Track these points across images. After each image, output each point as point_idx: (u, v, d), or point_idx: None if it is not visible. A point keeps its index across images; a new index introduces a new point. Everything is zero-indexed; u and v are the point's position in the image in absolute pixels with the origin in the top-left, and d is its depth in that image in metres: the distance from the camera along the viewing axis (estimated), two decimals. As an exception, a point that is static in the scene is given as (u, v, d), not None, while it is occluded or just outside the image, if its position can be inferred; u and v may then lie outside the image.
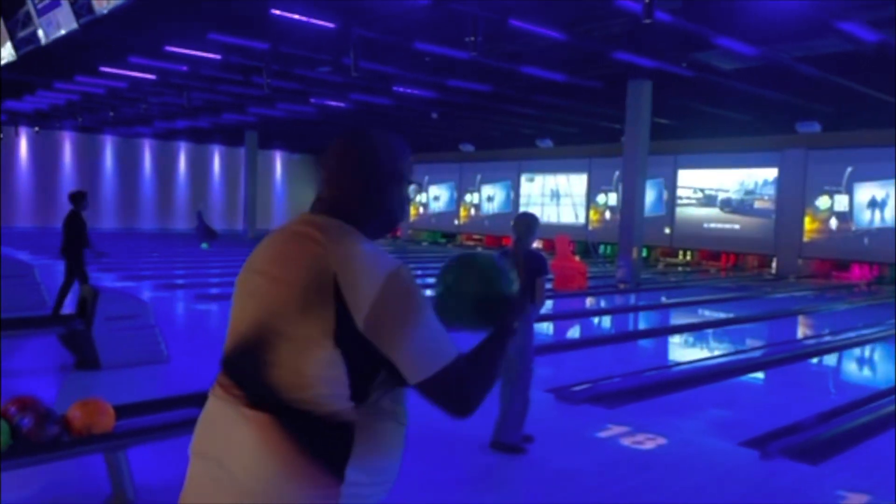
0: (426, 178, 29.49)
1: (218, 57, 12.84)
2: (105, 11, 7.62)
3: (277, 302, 1.37)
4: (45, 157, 26.76)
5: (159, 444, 3.67)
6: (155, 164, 30.02)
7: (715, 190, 20.80)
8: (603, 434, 4.77)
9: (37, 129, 26.06)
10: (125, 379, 5.76)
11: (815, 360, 8.19)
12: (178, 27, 11.02)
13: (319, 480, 1.32)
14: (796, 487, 3.99)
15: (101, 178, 28.67)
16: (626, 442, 4.64)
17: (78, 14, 8.13)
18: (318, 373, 1.33)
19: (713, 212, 20.75)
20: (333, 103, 17.77)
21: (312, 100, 17.32)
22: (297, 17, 9.87)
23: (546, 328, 10.08)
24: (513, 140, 24.02)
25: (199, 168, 31.15)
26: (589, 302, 12.79)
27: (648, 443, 4.63)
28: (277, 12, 9.59)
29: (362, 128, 1.56)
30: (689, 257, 21.90)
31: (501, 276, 1.62)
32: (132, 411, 3.51)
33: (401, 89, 15.35)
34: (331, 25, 10.36)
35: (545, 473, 4.07)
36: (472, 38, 8.57)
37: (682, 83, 13.58)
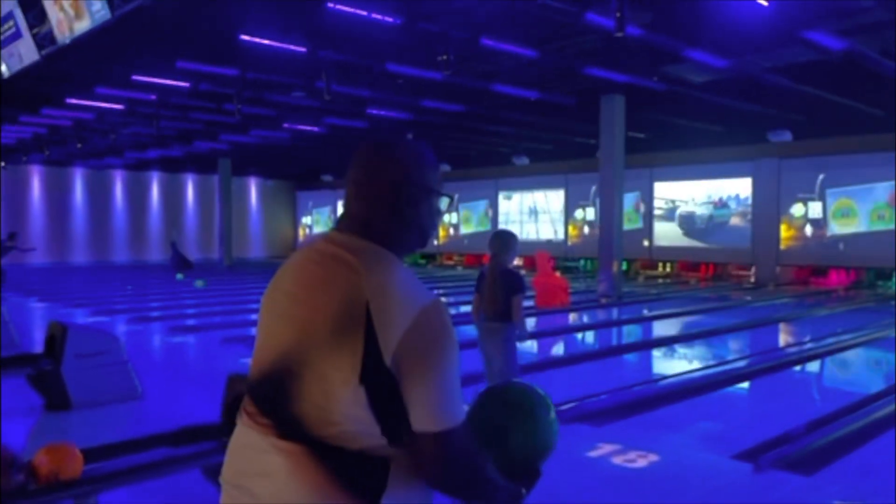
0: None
1: (187, 85, 12.71)
2: (68, 41, 7.46)
3: (307, 329, 1.31)
4: (12, 193, 26.25)
5: (135, 487, 3.50)
6: (127, 196, 29.61)
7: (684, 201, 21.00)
8: (593, 453, 4.66)
9: (2, 164, 25.61)
10: (97, 419, 5.54)
11: (799, 368, 8.17)
12: (146, 56, 10.88)
13: None
14: (793, 500, 3.90)
15: (71, 211, 28.19)
16: (617, 460, 4.53)
17: (40, 45, 7.97)
18: (343, 411, 1.27)
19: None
20: (307, 128, 17.67)
21: (286, 125, 17.21)
22: (266, 42, 9.79)
23: (530, 346, 9.98)
24: (489, 159, 24.08)
25: (173, 198, 30.78)
26: (572, 318, 12.73)
27: (640, 460, 4.52)
28: (247, 38, 9.50)
29: (389, 138, 1.48)
30: (668, 269, 22.00)
31: (546, 451, 1.58)
32: (102, 454, 3.33)
33: (375, 112, 15.31)
34: (301, 49, 10.29)
35: (536, 496, 3.93)
36: (444, 57, 8.54)
37: (654, 97, 13.69)
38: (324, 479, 1.28)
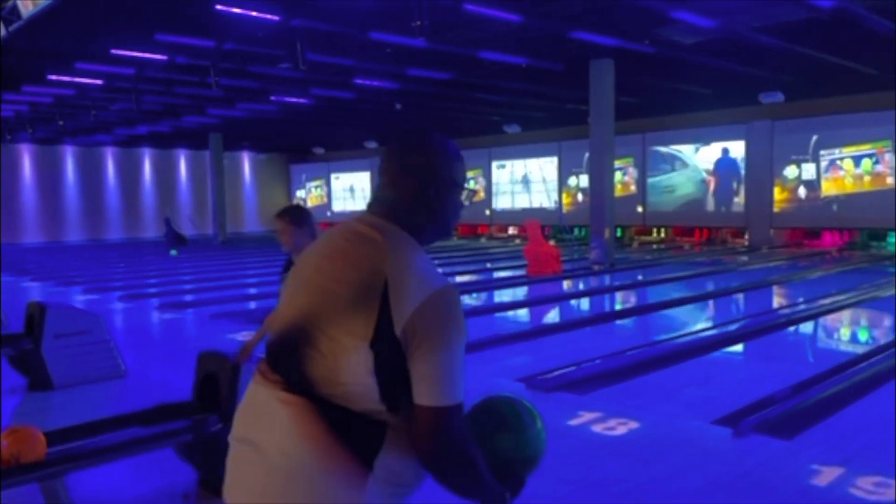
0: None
1: (166, 58, 12.50)
2: (32, 15, 7.27)
3: (327, 296, 1.42)
4: (3, 172, 26.04)
5: (105, 468, 3.47)
6: (119, 173, 29.41)
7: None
8: (574, 422, 4.64)
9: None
10: (79, 398, 5.52)
11: (788, 331, 8.15)
12: (124, 29, 10.67)
13: (349, 466, 1.36)
14: (770, 464, 3.89)
15: (63, 189, 28.02)
16: (597, 428, 4.51)
17: (7, 20, 7.78)
18: (351, 372, 1.36)
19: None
20: (294, 100, 17.46)
21: (273, 97, 16.99)
22: (243, 12, 9.60)
23: (520, 314, 9.98)
24: (480, 128, 23.87)
25: (165, 174, 30.59)
26: (561, 286, 12.71)
27: (620, 428, 4.51)
28: (222, 7, 9.30)
29: (422, 131, 1.57)
30: (662, 234, 21.95)
31: (532, 461, 1.66)
32: (70, 435, 3.30)
33: (361, 81, 15.10)
34: (275, 18, 10.10)
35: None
36: (419, 23, 8.36)
37: (644, 60, 13.49)
38: (324, 433, 1.36)
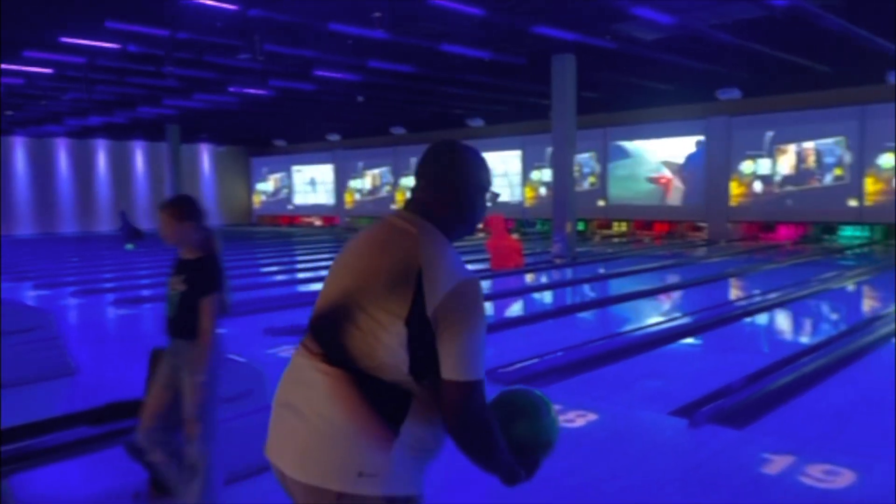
0: (360, 163, 29.06)
1: (118, 47, 12.17)
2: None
3: (368, 279, 1.61)
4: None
5: (53, 467, 3.37)
6: (72, 164, 28.61)
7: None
8: (534, 415, 4.66)
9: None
10: (28, 397, 5.34)
11: (743, 323, 8.31)
12: (74, 16, 10.34)
13: (379, 430, 1.56)
14: (724, 453, 3.96)
15: (13, 181, 27.15)
16: (556, 421, 4.53)
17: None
18: (386, 344, 1.56)
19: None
20: (254, 91, 17.18)
21: (231, 88, 16.69)
22: (199, 0, 9.38)
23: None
24: (444, 121, 23.82)
25: (121, 166, 29.85)
26: (524, 279, 12.77)
27: (579, 420, 4.54)
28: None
29: (455, 143, 1.78)
30: (624, 228, 22.22)
31: (546, 446, 1.79)
32: (14, 436, 3.19)
33: (322, 73, 14.92)
34: (232, 7, 9.90)
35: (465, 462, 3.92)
36: (378, 15, 8.28)
37: (605, 56, 13.61)
38: (358, 398, 1.57)
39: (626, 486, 3.58)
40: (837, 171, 17.58)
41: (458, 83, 16.51)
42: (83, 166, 28.84)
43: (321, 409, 1.58)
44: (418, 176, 1.76)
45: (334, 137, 28.58)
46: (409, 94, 18.18)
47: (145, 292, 11.06)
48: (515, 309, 9.99)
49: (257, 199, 33.81)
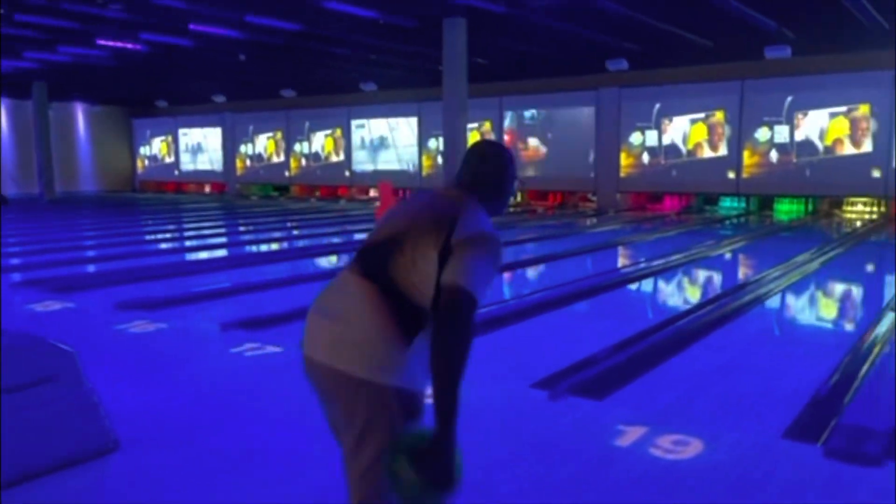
0: (251, 127, 27.80)
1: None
2: None
3: (417, 221, 2.00)
4: None
5: None
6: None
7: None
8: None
9: None
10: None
11: (618, 292, 8.34)
12: None
13: (398, 338, 1.90)
14: (580, 425, 3.84)
15: None
16: (413, 397, 4.29)
17: None
18: (420, 269, 1.91)
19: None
20: (125, 45, 15.86)
21: (99, 41, 15.32)
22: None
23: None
24: (337, 85, 23.04)
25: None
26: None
27: (438, 395, 4.30)
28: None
29: (495, 142, 2.31)
30: (518, 198, 22.32)
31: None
32: None
33: (199, 28, 13.91)
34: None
35: (309, 439, 3.61)
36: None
37: (496, 21, 13.36)
38: (388, 309, 1.90)
39: (482, 463, 3.37)
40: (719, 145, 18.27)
41: (348, 44, 15.87)
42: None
43: (359, 312, 1.92)
44: (465, 162, 2.20)
45: (220, 99, 27.11)
46: (298, 54, 17.33)
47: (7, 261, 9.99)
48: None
49: (141, 164, 31.83)
